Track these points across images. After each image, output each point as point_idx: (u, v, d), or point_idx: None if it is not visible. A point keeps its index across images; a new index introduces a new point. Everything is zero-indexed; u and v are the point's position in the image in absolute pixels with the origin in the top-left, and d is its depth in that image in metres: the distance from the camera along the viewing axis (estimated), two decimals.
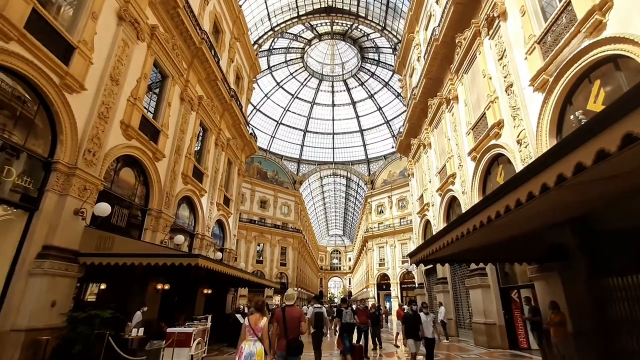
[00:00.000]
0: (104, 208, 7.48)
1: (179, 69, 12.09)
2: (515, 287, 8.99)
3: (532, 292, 8.75)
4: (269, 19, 26.96)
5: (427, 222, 16.09)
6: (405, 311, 6.95)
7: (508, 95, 8.24)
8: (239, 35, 19.20)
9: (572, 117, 6.55)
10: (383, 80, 40.84)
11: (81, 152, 7.59)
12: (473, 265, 9.91)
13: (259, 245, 36.50)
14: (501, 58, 8.63)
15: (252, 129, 22.05)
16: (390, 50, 36.21)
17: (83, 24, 7.83)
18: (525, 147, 7.45)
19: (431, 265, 14.42)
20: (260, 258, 36.18)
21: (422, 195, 16.22)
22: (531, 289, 8.67)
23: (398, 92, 40.46)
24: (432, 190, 14.48)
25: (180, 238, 11.01)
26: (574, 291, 5.82)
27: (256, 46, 26.19)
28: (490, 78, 9.42)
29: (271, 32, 27.60)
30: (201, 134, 14.99)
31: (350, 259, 77.61)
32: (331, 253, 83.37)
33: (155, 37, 10.57)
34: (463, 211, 11.08)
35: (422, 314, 6.48)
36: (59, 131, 7.31)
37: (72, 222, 7.27)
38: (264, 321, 4.23)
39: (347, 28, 35.52)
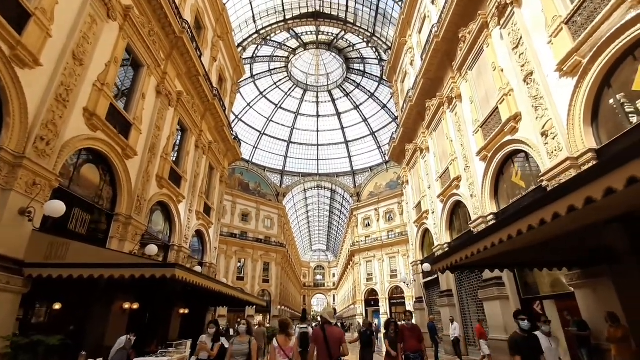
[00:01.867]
0: (57, 207, 6.03)
1: (155, 59, 10.84)
2: (537, 297, 8.05)
3: (556, 304, 7.86)
4: (254, 22, 26.10)
5: (425, 231, 15.17)
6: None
7: (527, 84, 7.51)
8: (223, 34, 18.17)
9: (611, 101, 5.81)
10: (369, 91, 40.69)
11: (32, 139, 6.20)
12: (487, 274, 8.96)
13: (239, 261, 34.52)
14: (516, 47, 7.96)
15: (236, 134, 20.79)
16: (377, 62, 36.18)
17: None
18: (553, 138, 6.66)
19: (435, 276, 13.45)
20: (242, 274, 34.16)
21: (419, 203, 15.34)
22: (556, 300, 7.77)
23: (384, 103, 40.40)
24: (432, 196, 13.61)
25: (153, 249, 9.50)
26: (634, 300, 4.89)
27: (240, 49, 25.21)
28: (502, 70, 8.75)
29: (256, 35, 26.72)
30: (180, 134, 13.63)
31: (334, 275, 75.83)
32: (314, 269, 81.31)
33: (129, 19, 9.35)
34: (472, 217, 10.23)
35: (539, 334, 4.32)
36: (6, 112, 5.92)
37: (16, 224, 5.81)
38: (293, 341, 3.95)
39: (332, 38, 35.28)
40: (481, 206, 9.58)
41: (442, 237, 12.57)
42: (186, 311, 12.49)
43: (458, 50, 11.08)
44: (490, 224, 9.13)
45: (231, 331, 12.42)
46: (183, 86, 13.23)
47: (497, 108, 8.81)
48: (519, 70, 7.87)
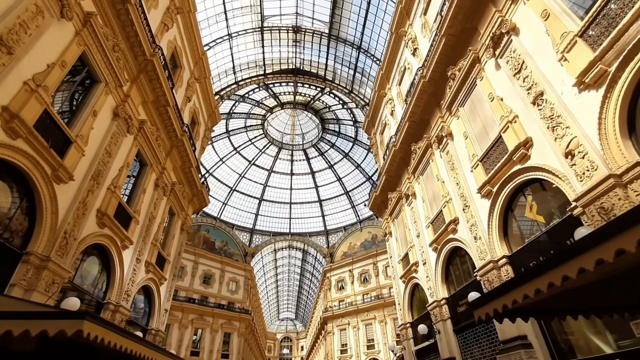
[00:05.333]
0: None
1: (117, 77, 9.51)
2: None
3: None
4: (234, 73, 26.26)
5: (415, 287, 13.35)
6: None
7: (538, 106, 6.83)
8: (200, 77, 17.51)
9: None
10: (343, 151, 41.14)
11: None
12: (507, 334, 7.22)
13: (196, 332, 29.77)
14: (518, 72, 7.50)
15: (205, 179, 19.01)
16: (351, 123, 37.20)
17: None
18: (583, 157, 5.72)
19: (431, 341, 11.29)
20: (197, 348, 29.17)
21: (406, 255, 13.74)
22: None
23: (358, 163, 40.71)
24: (423, 245, 12.16)
25: (73, 302, 6.98)
26: None
27: (217, 97, 24.72)
28: (502, 99, 8.20)
29: (235, 86, 26.65)
30: (137, 167, 11.77)
31: (302, 348, 68.31)
32: (281, 341, 73.16)
33: (89, 26, 8.17)
34: (477, 264, 8.75)
35: None
36: None
37: None
38: None
39: (309, 99, 36.30)
40: (489, 249, 8.22)
41: (437, 292, 10.84)
42: None
43: (447, 89, 10.73)
44: (503, 269, 7.70)
45: None
46: (148, 115, 11.80)
47: (500, 137, 8.04)
48: (525, 95, 7.27)
